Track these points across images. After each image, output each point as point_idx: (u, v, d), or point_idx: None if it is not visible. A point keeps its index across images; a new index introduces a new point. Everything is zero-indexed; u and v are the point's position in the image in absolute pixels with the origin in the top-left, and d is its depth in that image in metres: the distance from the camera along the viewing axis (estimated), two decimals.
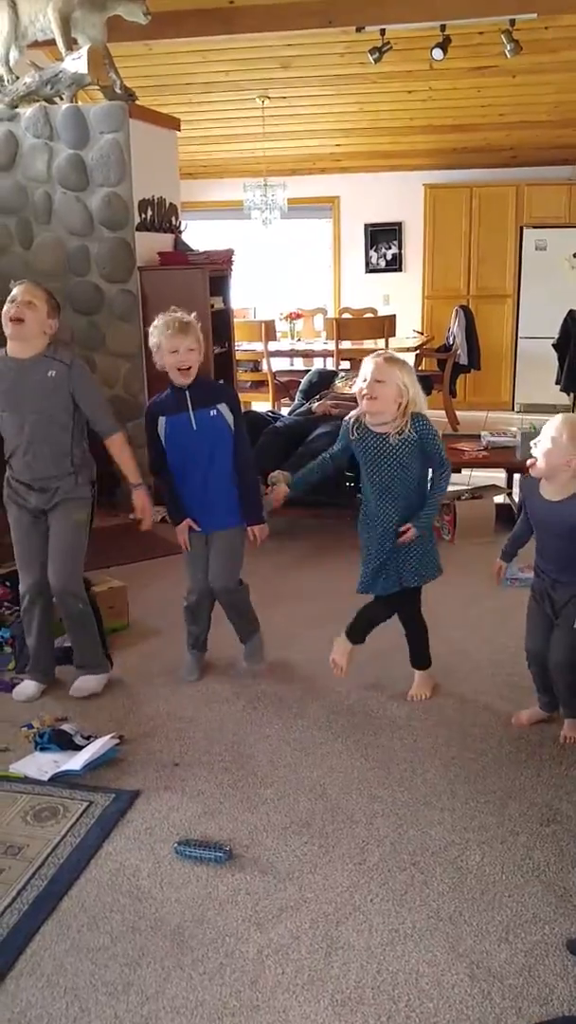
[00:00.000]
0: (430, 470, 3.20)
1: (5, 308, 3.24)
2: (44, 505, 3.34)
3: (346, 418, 3.26)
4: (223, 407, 3.30)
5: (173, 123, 6.17)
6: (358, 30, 6.36)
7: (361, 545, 3.30)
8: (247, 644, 3.63)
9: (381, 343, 7.71)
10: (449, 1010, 2.00)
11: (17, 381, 3.25)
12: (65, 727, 3.13)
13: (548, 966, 2.12)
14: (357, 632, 3.39)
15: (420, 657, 3.44)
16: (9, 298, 3.24)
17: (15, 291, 3.26)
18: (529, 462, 2.90)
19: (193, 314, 3.31)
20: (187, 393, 3.27)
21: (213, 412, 3.28)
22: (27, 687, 3.49)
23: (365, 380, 3.07)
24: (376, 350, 5.33)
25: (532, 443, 2.90)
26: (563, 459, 2.79)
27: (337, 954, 2.17)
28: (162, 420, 3.32)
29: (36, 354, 3.27)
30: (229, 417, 3.31)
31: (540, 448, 2.83)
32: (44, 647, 3.51)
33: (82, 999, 2.05)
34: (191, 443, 3.30)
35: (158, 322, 3.23)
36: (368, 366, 3.08)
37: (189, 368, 3.23)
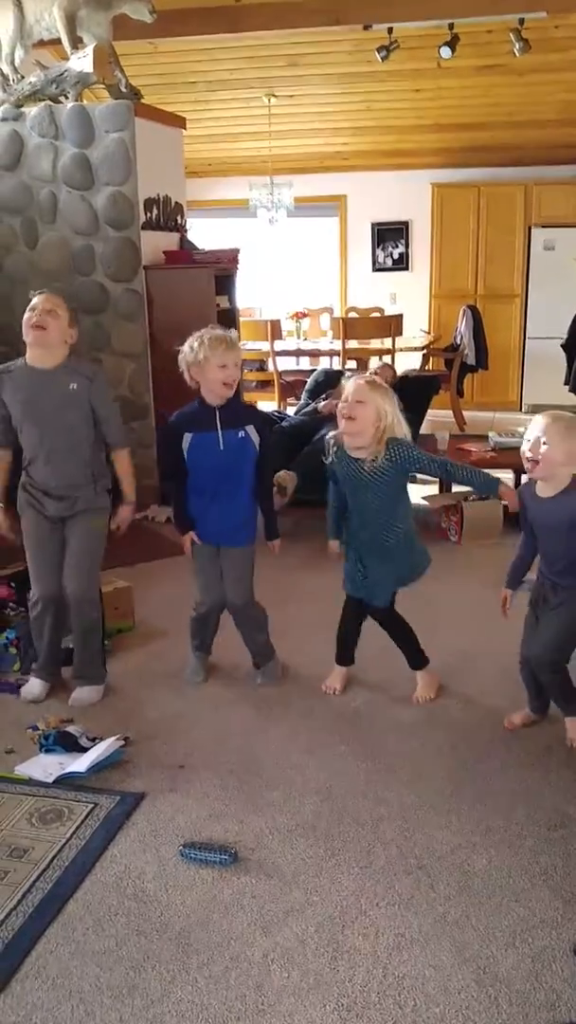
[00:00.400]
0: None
1: (26, 316, 3.23)
2: (64, 513, 3.34)
3: (327, 436, 3.28)
4: (251, 429, 3.29)
5: (179, 122, 6.16)
6: (365, 28, 6.34)
7: (346, 562, 3.37)
8: (262, 669, 3.58)
9: (388, 342, 7.70)
10: (456, 1015, 1.99)
11: (38, 392, 3.25)
12: (70, 729, 3.12)
13: (555, 971, 2.10)
14: (343, 655, 3.49)
15: (414, 657, 3.42)
16: (30, 306, 3.24)
17: (36, 300, 3.27)
18: (528, 466, 2.86)
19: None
20: (217, 412, 3.24)
21: (241, 434, 3.26)
22: (34, 686, 3.49)
23: (346, 400, 3.08)
24: (383, 350, 5.30)
25: (525, 450, 2.85)
26: (561, 457, 2.78)
27: (343, 958, 2.16)
28: (187, 436, 3.27)
29: (57, 365, 3.27)
30: (255, 439, 3.30)
31: (533, 450, 2.80)
32: (53, 650, 3.50)
33: (87, 1002, 2.05)
34: (215, 462, 3.28)
35: (204, 338, 3.17)
36: (349, 387, 3.10)
37: (230, 385, 3.22)
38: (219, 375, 3.17)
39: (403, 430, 3.14)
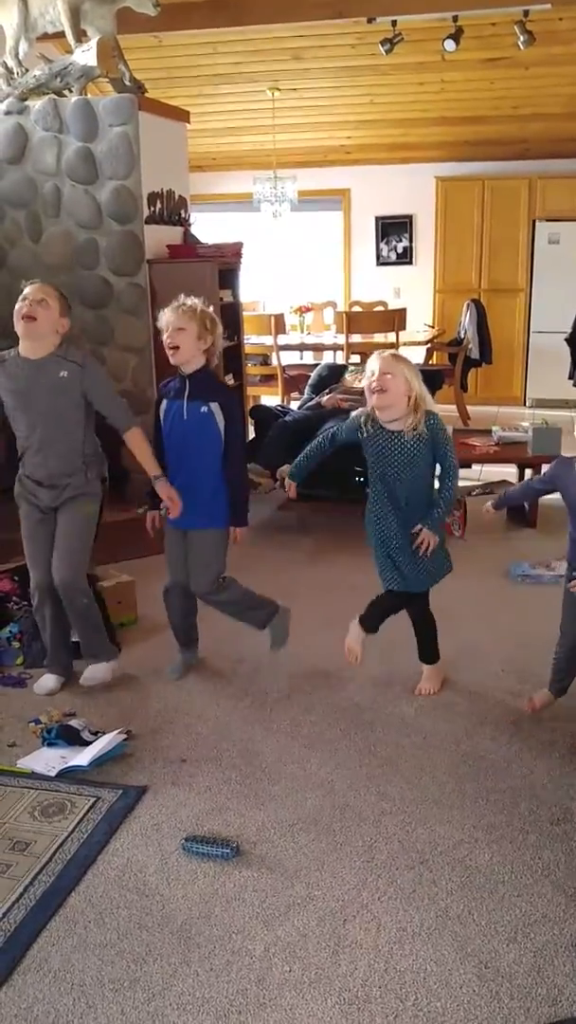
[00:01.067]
0: (438, 468, 3.19)
1: (17, 306, 3.22)
2: (54, 502, 3.34)
3: (355, 412, 3.24)
4: (215, 407, 3.26)
5: (183, 115, 6.14)
6: (369, 21, 6.33)
7: (368, 541, 3.30)
8: (268, 629, 3.54)
9: (391, 337, 7.68)
10: (457, 1010, 1.99)
11: (29, 382, 3.25)
12: (73, 722, 3.13)
13: (557, 967, 2.10)
14: (370, 621, 3.39)
15: (428, 652, 3.43)
16: (21, 296, 3.23)
17: (27, 290, 3.25)
18: None
19: (211, 307, 3.29)
20: (187, 382, 3.26)
21: (204, 409, 3.25)
22: (47, 680, 3.49)
23: (373, 374, 3.06)
24: (386, 344, 5.27)
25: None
26: None
27: (344, 952, 2.16)
28: (164, 402, 3.34)
29: (48, 354, 3.26)
30: (219, 419, 3.27)
31: None
32: (60, 641, 3.51)
33: (89, 995, 2.05)
34: (181, 433, 3.30)
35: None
36: (374, 362, 3.10)
37: (176, 349, 3.21)
38: (164, 338, 3.23)
39: (430, 400, 3.13)
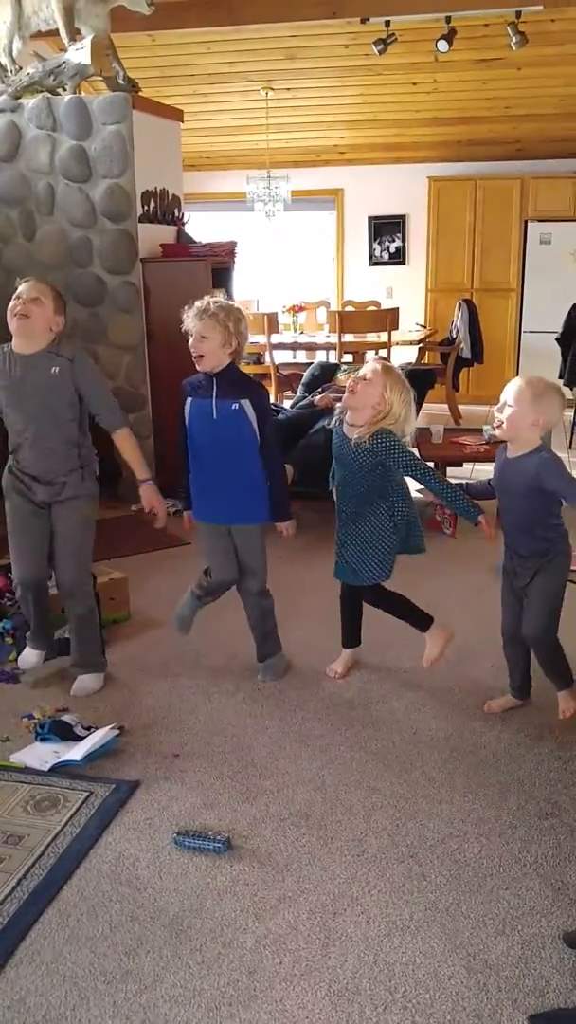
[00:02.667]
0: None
1: (11, 304, 3.21)
2: (51, 499, 3.31)
3: (339, 405, 3.30)
4: (246, 403, 3.22)
5: (176, 114, 6.16)
6: (363, 21, 6.34)
7: (335, 535, 3.38)
8: (266, 662, 3.55)
9: (384, 336, 7.70)
10: (445, 1001, 2.01)
11: (21, 378, 3.24)
12: (66, 718, 3.14)
13: (544, 959, 2.13)
14: (344, 637, 3.51)
15: (418, 623, 3.40)
16: (15, 294, 3.22)
17: (21, 288, 3.23)
18: (495, 424, 2.93)
19: (236, 303, 3.28)
20: (214, 380, 3.22)
21: (235, 406, 3.21)
22: (29, 655, 3.53)
23: (356, 374, 3.16)
24: (378, 344, 5.26)
25: (494, 410, 2.94)
26: (528, 420, 2.84)
27: (334, 945, 2.18)
28: (189, 400, 3.29)
29: (40, 350, 3.25)
30: (251, 415, 3.24)
31: (505, 411, 2.87)
32: (43, 628, 3.54)
33: (81, 987, 2.07)
34: (212, 432, 3.25)
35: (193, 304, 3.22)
36: (366, 365, 3.18)
37: (201, 357, 3.19)
38: (189, 346, 3.21)
39: (409, 427, 3.17)
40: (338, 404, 3.30)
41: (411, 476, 3.21)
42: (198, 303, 3.19)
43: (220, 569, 3.42)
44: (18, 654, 3.67)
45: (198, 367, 3.22)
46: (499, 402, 2.90)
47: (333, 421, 3.30)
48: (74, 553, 3.34)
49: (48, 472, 3.30)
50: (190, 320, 3.17)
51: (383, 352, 7.70)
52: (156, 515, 3.40)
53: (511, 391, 2.86)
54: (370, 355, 3.24)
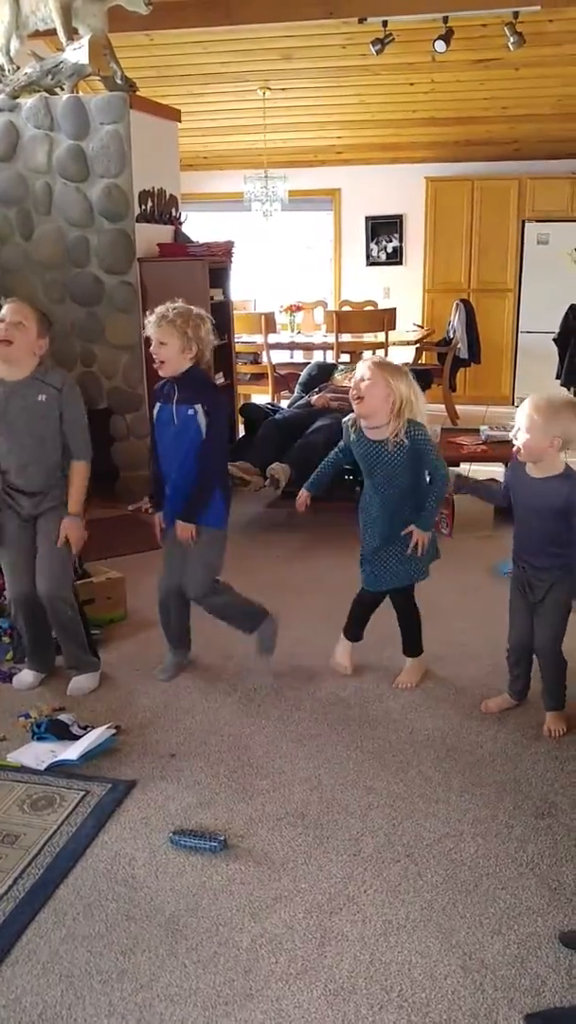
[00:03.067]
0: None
1: None
2: (35, 510, 3.32)
3: (344, 420, 3.31)
4: (198, 407, 3.23)
5: (174, 114, 6.16)
6: (360, 21, 6.34)
7: (362, 548, 3.36)
8: (256, 635, 3.53)
9: (381, 336, 7.71)
10: (441, 1000, 2.01)
11: (7, 403, 3.22)
12: (62, 717, 3.14)
13: (540, 958, 2.13)
14: (352, 630, 3.50)
15: (412, 645, 3.47)
16: None
17: (4, 310, 3.19)
18: (514, 450, 2.92)
19: (196, 309, 3.27)
20: (176, 386, 3.26)
21: (191, 411, 3.23)
22: (25, 676, 3.51)
23: (354, 380, 3.13)
24: (375, 344, 5.26)
25: (511, 435, 2.92)
26: (545, 441, 2.80)
27: (330, 944, 2.18)
28: (157, 405, 3.34)
29: (26, 376, 3.23)
30: (203, 421, 3.24)
31: (520, 438, 2.84)
32: (40, 641, 3.51)
33: (77, 987, 2.07)
34: (171, 437, 3.29)
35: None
36: (359, 368, 3.14)
37: (162, 363, 3.21)
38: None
39: (421, 409, 3.14)
40: (347, 417, 3.27)
41: (435, 475, 3.19)
42: (158, 309, 3.21)
43: (164, 575, 3.46)
44: (15, 653, 3.67)
45: (160, 373, 3.26)
46: (514, 426, 2.88)
47: (348, 436, 3.25)
48: (53, 560, 3.31)
49: (32, 485, 3.31)
50: (150, 327, 3.20)
51: (380, 352, 7.71)
52: (66, 544, 3.32)
53: (521, 417, 2.82)
54: (365, 357, 3.19)
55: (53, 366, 3.41)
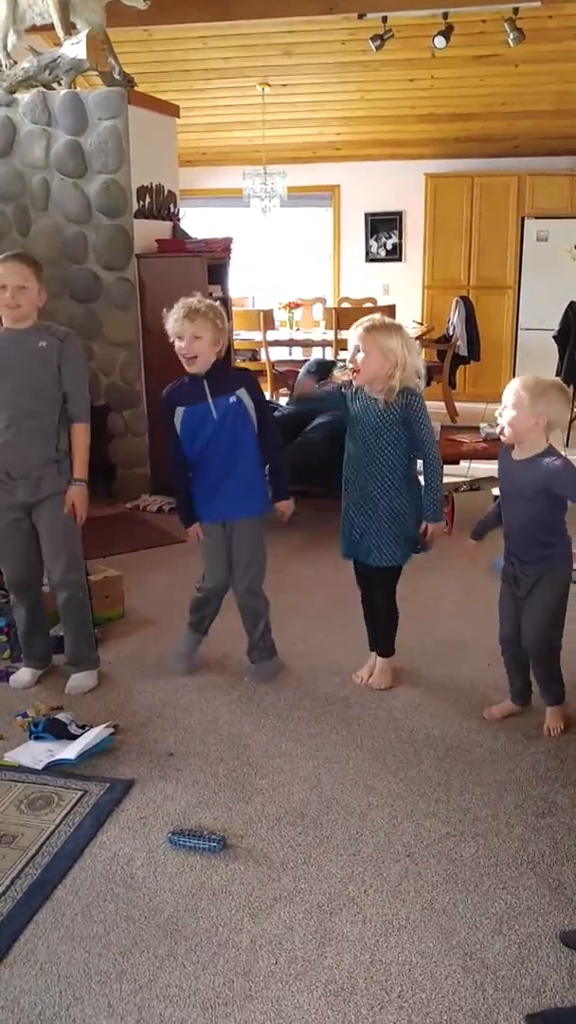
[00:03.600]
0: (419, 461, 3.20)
1: None
2: (30, 498, 3.26)
3: (343, 379, 3.26)
4: (242, 392, 3.21)
5: (172, 110, 6.14)
6: (360, 17, 6.33)
7: (342, 511, 3.31)
8: (258, 665, 3.52)
9: None
10: (442, 1000, 2.00)
11: (9, 351, 3.19)
12: (60, 716, 3.12)
13: (541, 958, 2.12)
14: (373, 640, 3.47)
15: (384, 643, 3.42)
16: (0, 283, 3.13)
17: (5, 277, 3.12)
18: (498, 430, 2.89)
19: (218, 300, 3.25)
20: (204, 382, 3.19)
21: (232, 399, 3.20)
22: (23, 675, 3.49)
23: (349, 355, 3.11)
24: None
25: (497, 413, 2.89)
26: (530, 420, 2.78)
27: (330, 945, 2.17)
28: (179, 411, 3.23)
29: (30, 325, 3.21)
30: (249, 402, 3.23)
31: (505, 416, 2.82)
32: (36, 635, 3.50)
33: (75, 987, 2.05)
34: (212, 433, 3.21)
35: (174, 306, 3.17)
36: (351, 336, 3.09)
37: (195, 358, 3.15)
38: (176, 347, 3.16)
39: (414, 363, 3.10)
40: (342, 377, 3.24)
41: (421, 443, 3.15)
42: (184, 304, 3.15)
43: (212, 571, 3.41)
44: (11, 652, 3.65)
45: (190, 368, 3.19)
46: (501, 405, 2.86)
47: (350, 392, 3.19)
48: (60, 548, 3.31)
49: (26, 462, 3.23)
50: (179, 322, 3.12)
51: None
52: (73, 514, 3.29)
53: (508, 394, 2.81)
54: (357, 324, 3.15)
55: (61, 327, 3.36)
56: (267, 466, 3.36)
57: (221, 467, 3.26)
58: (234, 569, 3.38)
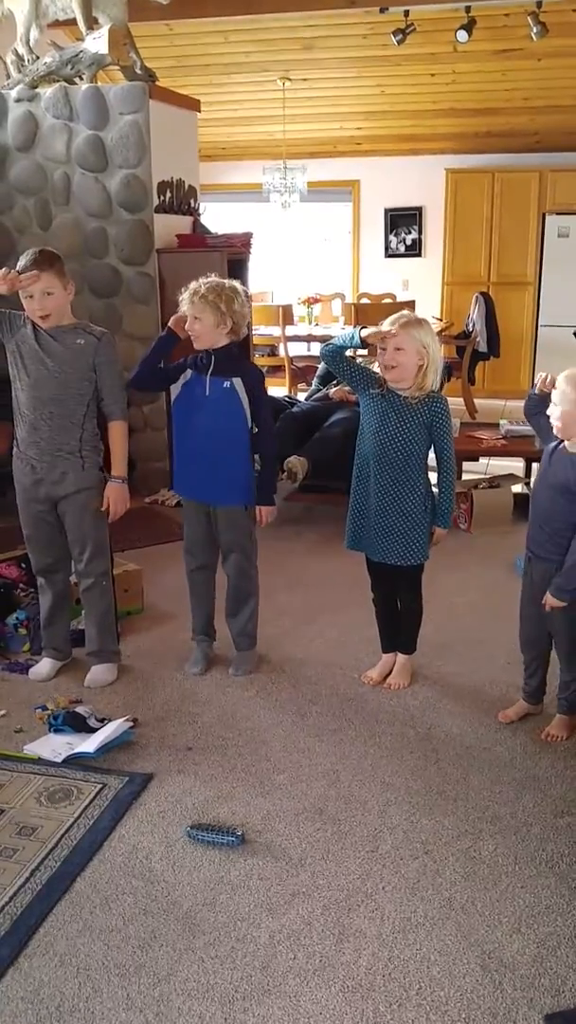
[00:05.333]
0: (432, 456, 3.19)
1: (26, 304, 3.14)
2: (54, 493, 3.27)
3: (373, 364, 3.22)
4: (238, 382, 3.24)
5: (193, 104, 6.13)
6: (381, 11, 6.30)
7: (350, 501, 3.29)
8: (239, 653, 3.56)
9: None
10: (460, 999, 2.00)
11: (44, 343, 3.19)
12: (79, 709, 3.14)
13: (560, 957, 2.11)
14: (386, 641, 3.47)
15: (406, 641, 3.43)
16: (26, 293, 3.11)
17: (30, 286, 3.09)
18: (554, 430, 2.82)
19: (229, 282, 3.24)
20: (212, 357, 3.24)
21: (227, 384, 3.23)
22: (42, 667, 3.50)
23: (385, 348, 3.05)
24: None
25: (549, 410, 2.82)
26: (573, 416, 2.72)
27: (348, 941, 2.17)
28: (188, 372, 3.30)
29: (69, 324, 3.23)
30: (243, 394, 3.24)
31: (554, 412, 2.77)
32: (58, 623, 3.52)
33: (94, 979, 2.06)
34: (200, 409, 3.28)
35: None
36: (391, 328, 3.05)
37: (197, 338, 3.22)
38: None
39: (438, 369, 3.12)
40: (376, 368, 3.18)
41: (441, 450, 3.15)
42: (191, 285, 3.21)
43: (193, 551, 3.48)
44: (32, 645, 3.67)
45: (195, 346, 3.26)
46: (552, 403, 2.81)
47: (374, 384, 3.16)
48: (85, 539, 3.34)
49: (49, 451, 3.23)
50: (184, 303, 3.20)
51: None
52: (109, 511, 3.32)
53: (557, 390, 2.75)
54: (391, 320, 3.13)
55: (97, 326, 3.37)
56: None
57: (206, 450, 3.29)
58: (224, 553, 3.45)
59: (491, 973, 2.07)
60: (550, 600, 2.84)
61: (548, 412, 2.82)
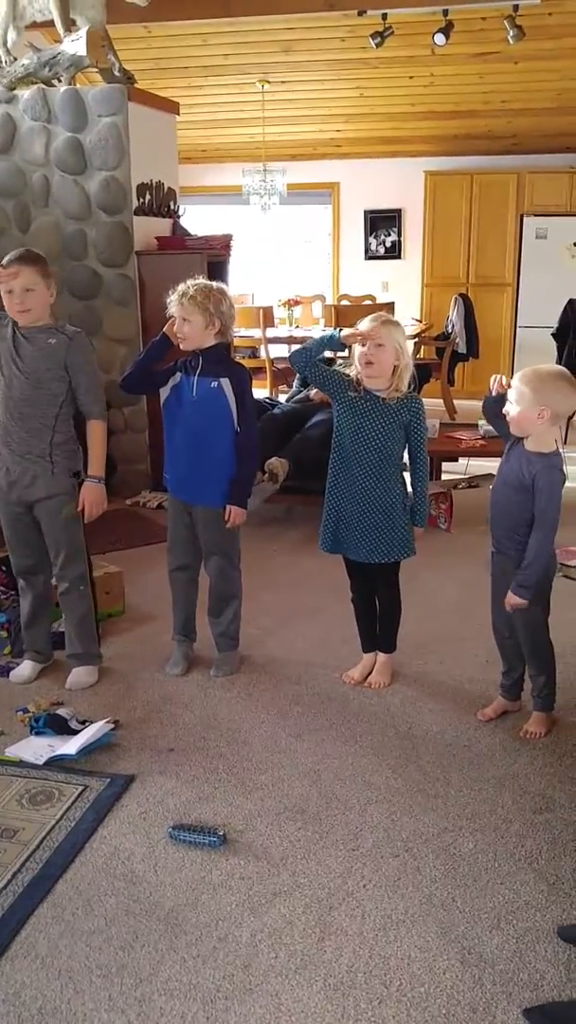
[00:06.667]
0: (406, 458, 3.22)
1: (6, 301, 3.15)
2: (27, 498, 3.27)
3: (350, 368, 3.22)
4: (225, 382, 3.25)
5: (172, 107, 6.14)
6: (360, 14, 6.32)
7: (325, 504, 3.30)
8: (221, 654, 3.57)
9: None
10: (440, 994, 2.02)
11: (18, 343, 3.18)
12: (60, 711, 3.14)
13: (539, 952, 2.13)
14: (366, 640, 3.47)
15: (386, 641, 3.45)
16: (5, 288, 3.13)
17: (12, 281, 3.11)
18: (510, 423, 2.86)
19: (216, 284, 3.26)
20: (200, 358, 3.25)
21: (214, 384, 3.24)
22: (23, 670, 3.50)
23: (366, 344, 3.06)
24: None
25: (505, 408, 2.85)
26: (532, 414, 2.75)
27: (330, 939, 2.18)
28: (177, 375, 3.31)
29: (43, 324, 3.22)
30: (230, 395, 3.26)
31: (511, 408, 2.81)
32: (38, 625, 3.52)
33: (76, 981, 2.07)
34: (187, 408, 3.29)
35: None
36: (365, 327, 3.06)
37: (184, 339, 3.23)
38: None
39: (411, 363, 3.16)
40: (351, 369, 3.20)
41: (416, 450, 3.18)
42: (179, 287, 3.22)
43: (174, 549, 3.50)
44: (12, 647, 3.67)
45: (182, 347, 3.27)
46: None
47: (350, 388, 3.16)
48: (59, 543, 3.33)
49: (19, 451, 3.22)
50: (173, 305, 3.22)
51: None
52: (84, 512, 3.29)
53: (513, 389, 2.79)
54: (370, 319, 3.15)
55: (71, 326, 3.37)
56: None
57: (191, 449, 3.31)
58: (205, 553, 3.47)
59: (471, 968, 2.09)
60: (512, 599, 2.87)
61: (505, 410, 2.85)
